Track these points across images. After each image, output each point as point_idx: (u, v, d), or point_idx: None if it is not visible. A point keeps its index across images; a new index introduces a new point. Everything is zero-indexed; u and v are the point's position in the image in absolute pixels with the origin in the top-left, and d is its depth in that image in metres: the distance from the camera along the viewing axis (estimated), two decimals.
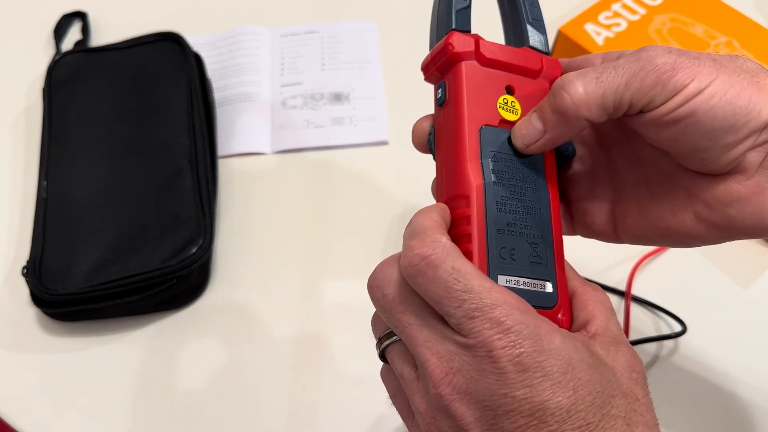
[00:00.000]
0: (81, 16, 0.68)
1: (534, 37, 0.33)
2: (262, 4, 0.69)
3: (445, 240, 0.26)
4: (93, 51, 0.61)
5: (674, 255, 0.51)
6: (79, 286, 0.47)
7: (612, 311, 0.30)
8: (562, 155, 0.33)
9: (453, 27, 0.31)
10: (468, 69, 0.30)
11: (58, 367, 0.48)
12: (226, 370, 0.47)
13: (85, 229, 0.50)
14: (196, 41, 0.63)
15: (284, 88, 0.63)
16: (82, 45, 0.65)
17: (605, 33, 0.58)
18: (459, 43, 0.30)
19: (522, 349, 0.24)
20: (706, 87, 0.26)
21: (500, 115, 0.30)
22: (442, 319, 0.26)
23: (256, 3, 0.69)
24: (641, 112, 0.28)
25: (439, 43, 0.31)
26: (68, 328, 0.49)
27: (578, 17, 0.59)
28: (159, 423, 0.45)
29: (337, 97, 0.61)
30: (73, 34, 0.67)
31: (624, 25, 0.58)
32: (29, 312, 0.50)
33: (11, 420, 0.45)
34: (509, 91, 0.31)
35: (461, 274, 0.25)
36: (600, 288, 0.31)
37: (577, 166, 0.35)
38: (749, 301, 0.49)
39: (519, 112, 0.31)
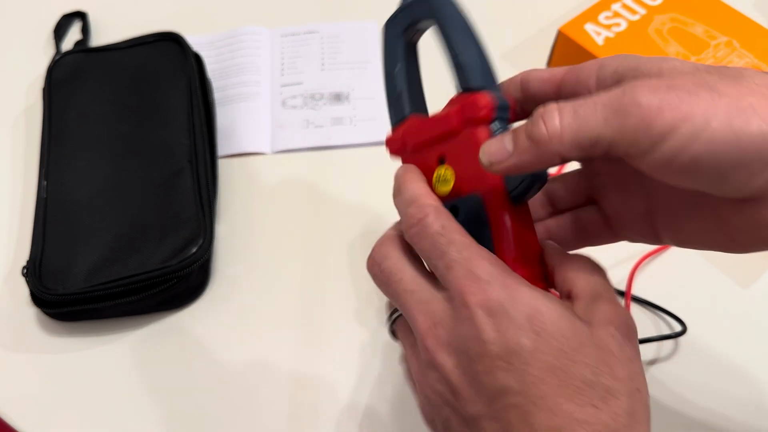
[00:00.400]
0: (81, 16, 0.68)
1: (460, 80, 0.31)
2: (262, 4, 0.69)
3: (436, 203, 0.29)
4: (93, 51, 0.61)
5: (674, 255, 0.51)
6: (79, 286, 0.47)
7: (594, 269, 0.30)
8: (520, 193, 0.30)
9: (392, 122, 0.34)
10: (405, 164, 0.33)
11: (58, 367, 0.48)
12: (226, 370, 0.47)
13: (85, 229, 0.50)
14: (196, 41, 0.63)
15: (284, 88, 0.63)
16: (82, 45, 0.65)
17: (605, 33, 0.58)
18: (391, 145, 0.33)
19: (491, 296, 0.26)
20: (702, 129, 0.23)
21: (438, 191, 0.31)
22: (434, 282, 0.29)
23: (256, 3, 0.69)
24: (628, 155, 0.25)
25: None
26: (68, 328, 0.49)
27: (578, 17, 0.59)
28: (159, 423, 0.45)
29: (337, 97, 0.61)
30: (73, 34, 0.67)
31: (624, 25, 0.58)
32: (29, 312, 0.50)
33: (11, 420, 0.45)
34: (442, 160, 0.31)
35: (446, 229, 0.28)
36: (582, 256, 0.30)
37: (606, 180, 0.33)
38: (749, 301, 0.49)
39: (452, 178, 0.31)
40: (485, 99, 0.30)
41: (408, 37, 0.34)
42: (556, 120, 0.26)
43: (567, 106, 0.26)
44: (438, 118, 0.32)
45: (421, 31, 0.34)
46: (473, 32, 0.31)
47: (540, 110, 0.27)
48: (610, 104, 0.25)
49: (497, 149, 0.27)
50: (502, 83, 0.32)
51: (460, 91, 0.31)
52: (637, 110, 0.24)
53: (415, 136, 0.32)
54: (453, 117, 0.31)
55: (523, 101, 0.32)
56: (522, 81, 0.32)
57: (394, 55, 0.34)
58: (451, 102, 0.32)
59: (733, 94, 0.24)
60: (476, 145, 0.29)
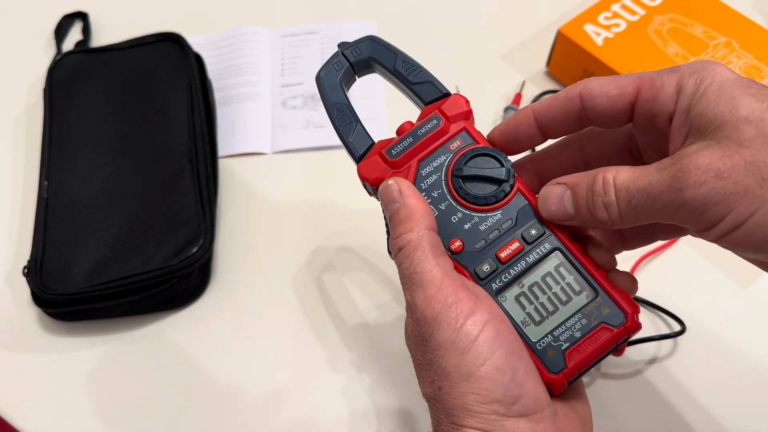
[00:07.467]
0: (82, 16, 0.68)
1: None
2: (262, 4, 0.69)
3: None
4: (94, 51, 0.61)
5: (674, 255, 0.51)
6: (80, 285, 0.47)
7: None
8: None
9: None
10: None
11: (58, 367, 0.48)
12: (226, 370, 0.47)
13: (85, 229, 0.50)
14: (196, 41, 0.63)
15: (284, 88, 0.63)
16: (82, 45, 0.65)
17: (605, 33, 0.58)
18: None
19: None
20: (744, 221, 0.25)
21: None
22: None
23: (256, 3, 0.69)
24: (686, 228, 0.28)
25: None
26: (69, 328, 0.49)
27: (578, 17, 0.59)
28: (159, 423, 0.45)
29: None
30: (74, 35, 0.67)
31: (623, 26, 0.58)
32: (30, 312, 0.50)
33: (11, 420, 0.45)
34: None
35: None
36: None
37: None
38: (749, 301, 0.49)
39: None
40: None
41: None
42: (615, 210, 0.28)
43: (623, 197, 0.28)
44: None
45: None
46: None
47: (600, 191, 0.29)
48: (661, 197, 0.27)
49: (558, 210, 0.31)
50: (557, 95, 0.32)
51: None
52: (685, 207, 0.26)
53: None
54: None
55: (583, 116, 0.31)
56: (583, 96, 0.31)
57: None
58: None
59: None
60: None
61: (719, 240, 0.27)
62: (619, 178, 0.28)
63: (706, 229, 0.26)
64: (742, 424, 0.44)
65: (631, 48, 0.56)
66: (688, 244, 0.51)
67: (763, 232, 0.25)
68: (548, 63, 0.61)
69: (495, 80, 0.62)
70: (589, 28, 0.58)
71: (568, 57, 0.59)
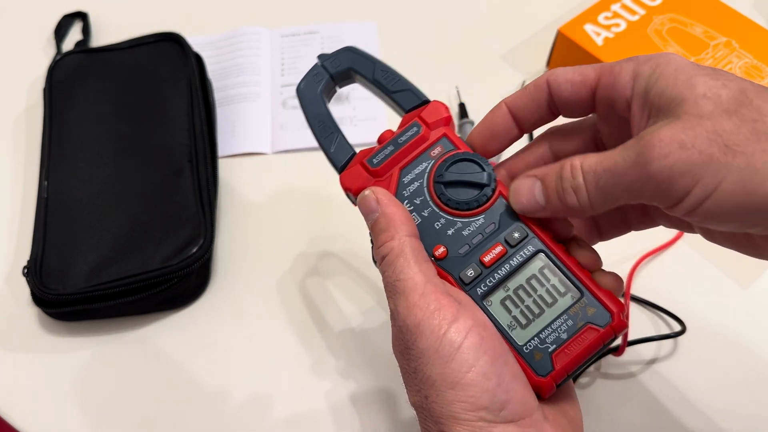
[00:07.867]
0: (82, 16, 0.68)
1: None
2: (262, 4, 0.69)
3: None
4: (94, 51, 0.61)
5: (674, 255, 0.51)
6: (80, 285, 0.47)
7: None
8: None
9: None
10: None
11: (58, 367, 0.48)
12: (226, 370, 0.47)
13: (85, 229, 0.50)
14: (196, 41, 0.63)
15: (284, 88, 0.63)
16: (82, 45, 0.65)
17: (605, 33, 0.58)
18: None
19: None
20: (713, 191, 0.25)
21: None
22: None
23: (256, 3, 0.69)
24: (656, 206, 0.28)
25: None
26: (69, 328, 0.49)
27: (578, 17, 0.59)
28: (159, 423, 0.45)
29: (337, 97, 0.61)
30: (74, 35, 0.67)
31: (623, 26, 0.58)
32: (30, 312, 0.50)
33: (11, 420, 0.45)
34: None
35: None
36: None
37: None
38: (749, 301, 0.49)
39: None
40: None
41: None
42: (584, 193, 0.29)
43: (590, 179, 0.28)
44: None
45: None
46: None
47: (568, 177, 0.29)
48: (628, 174, 0.27)
49: (529, 201, 0.31)
50: (527, 85, 0.33)
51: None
52: (651, 181, 0.26)
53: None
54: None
55: (551, 103, 0.32)
56: (550, 83, 0.32)
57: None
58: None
59: (750, 152, 0.25)
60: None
61: (690, 214, 0.26)
62: (586, 162, 0.29)
63: (675, 204, 0.26)
64: (743, 424, 0.44)
65: (632, 48, 0.56)
66: (688, 244, 0.51)
67: (732, 201, 0.25)
68: (548, 63, 0.61)
69: (495, 80, 0.62)
70: (589, 28, 0.58)
71: (569, 57, 0.59)
